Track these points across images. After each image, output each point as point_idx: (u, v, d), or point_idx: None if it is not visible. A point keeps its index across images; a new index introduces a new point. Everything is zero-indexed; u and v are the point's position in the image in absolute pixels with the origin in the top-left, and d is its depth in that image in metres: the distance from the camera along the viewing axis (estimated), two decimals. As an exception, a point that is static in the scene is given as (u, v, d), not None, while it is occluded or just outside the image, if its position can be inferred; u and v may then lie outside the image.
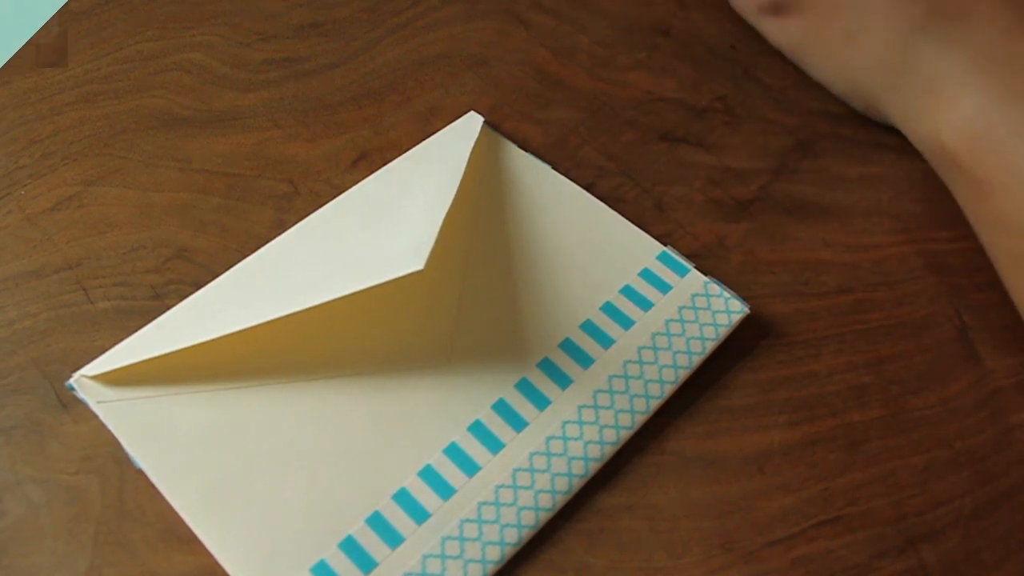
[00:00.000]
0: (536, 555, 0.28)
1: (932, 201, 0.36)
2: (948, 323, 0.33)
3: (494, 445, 0.29)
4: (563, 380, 0.30)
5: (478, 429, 0.29)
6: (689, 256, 0.34)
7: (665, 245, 0.33)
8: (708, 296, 0.32)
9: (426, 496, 0.27)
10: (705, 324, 0.31)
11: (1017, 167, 0.30)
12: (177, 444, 0.28)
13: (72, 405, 0.30)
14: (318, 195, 0.35)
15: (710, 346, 0.31)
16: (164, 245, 0.34)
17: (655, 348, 0.31)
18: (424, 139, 0.36)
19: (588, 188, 0.35)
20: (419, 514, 0.27)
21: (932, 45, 0.33)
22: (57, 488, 0.28)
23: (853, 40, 0.35)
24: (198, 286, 0.31)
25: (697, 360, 0.31)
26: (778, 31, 0.39)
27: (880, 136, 0.38)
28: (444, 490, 0.28)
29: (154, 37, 0.40)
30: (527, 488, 0.28)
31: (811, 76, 0.39)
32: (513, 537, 0.27)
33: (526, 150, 0.36)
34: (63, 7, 0.38)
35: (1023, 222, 0.30)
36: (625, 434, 0.29)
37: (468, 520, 0.27)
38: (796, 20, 0.37)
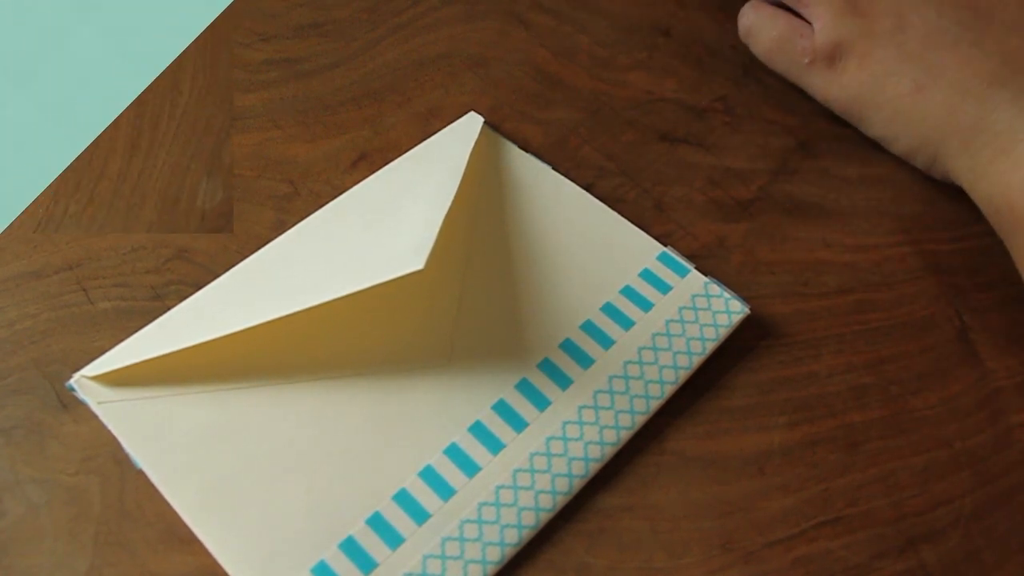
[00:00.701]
0: (536, 555, 0.28)
1: (932, 201, 0.36)
2: (948, 323, 0.33)
3: (494, 446, 0.28)
4: (563, 380, 0.30)
5: (478, 430, 0.29)
6: (689, 256, 0.34)
7: (665, 245, 0.33)
8: (708, 296, 0.32)
9: (426, 497, 0.27)
10: (705, 324, 0.31)
11: None
12: (177, 444, 0.28)
13: (72, 405, 0.30)
14: (318, 195, 0.35)
15: (710, 346, 0.31)
16: (164, 245, 0.34)
17: (655, 348, 0.31)
18: (424, 139, 0.36)
19: (588, 188, 0.35)
20: (419, 515, 0.27)
21: (1009, 100, 0.32)
22: (57, 488, 0.28)
23: (923, 92, 0.33)
24: (198, 286, 0.31)
25: (697, 360, 0.31)
26: (831, 85, 0.36)
27: (880, 136, 0.38)
28: (444, 491, 0.28)
29: (154, 37, 0.40)
30: (527, 488, 0.28)
31: (868, 133, 0.36)
32: (513, 537, 0.27)
33: (526, 150, 0.36)
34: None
35: None
36: (625, 434, 0.29)
37: (468, 521, 0.27)
38: (855, 72, 0.35)
